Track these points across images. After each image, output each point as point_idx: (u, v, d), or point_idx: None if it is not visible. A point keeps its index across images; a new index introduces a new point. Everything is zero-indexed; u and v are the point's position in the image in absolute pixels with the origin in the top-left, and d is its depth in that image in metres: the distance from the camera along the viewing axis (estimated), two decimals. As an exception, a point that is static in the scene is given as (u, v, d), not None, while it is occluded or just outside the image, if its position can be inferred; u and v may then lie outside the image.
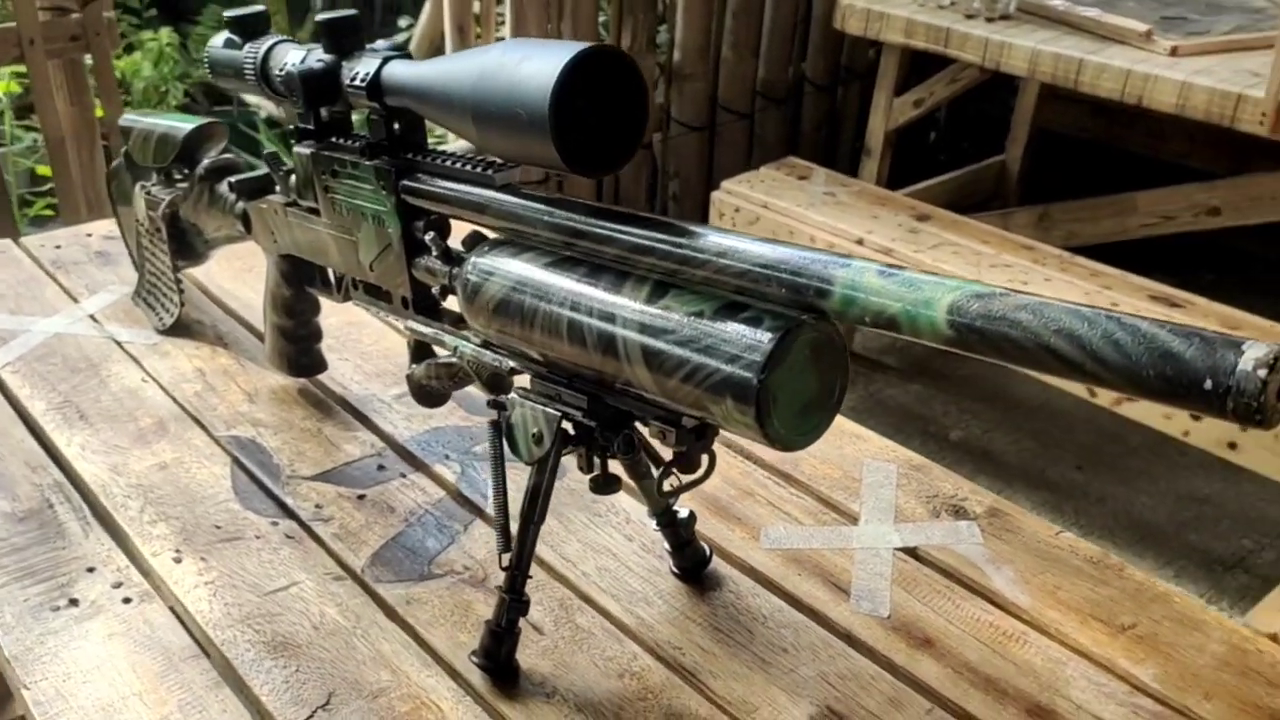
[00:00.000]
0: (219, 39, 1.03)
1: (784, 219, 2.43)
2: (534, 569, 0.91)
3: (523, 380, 0.84)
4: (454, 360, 0.91)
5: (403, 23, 3.25)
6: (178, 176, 1.23)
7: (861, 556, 0.95)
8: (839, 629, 0.88)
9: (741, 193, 2.52)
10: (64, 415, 1.11)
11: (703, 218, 3.03)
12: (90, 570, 0.92)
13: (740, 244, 0.65)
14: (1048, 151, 3.21)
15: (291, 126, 0.97)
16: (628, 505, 1.01)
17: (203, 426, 1.10)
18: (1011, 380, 2.70)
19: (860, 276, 0.60)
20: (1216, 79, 2.08)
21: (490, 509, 1.00)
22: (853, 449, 1.09)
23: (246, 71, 0.99)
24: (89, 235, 1.48)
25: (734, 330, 0.65)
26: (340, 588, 0.91)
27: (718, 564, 0.94)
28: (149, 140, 1.20)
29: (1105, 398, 2.04)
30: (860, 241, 2.31)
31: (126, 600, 0.89)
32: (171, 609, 0.89)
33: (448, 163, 0.85)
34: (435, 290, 0.90)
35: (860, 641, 0.87)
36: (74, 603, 0.89)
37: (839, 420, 0.91)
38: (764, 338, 0.64)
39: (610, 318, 0.71)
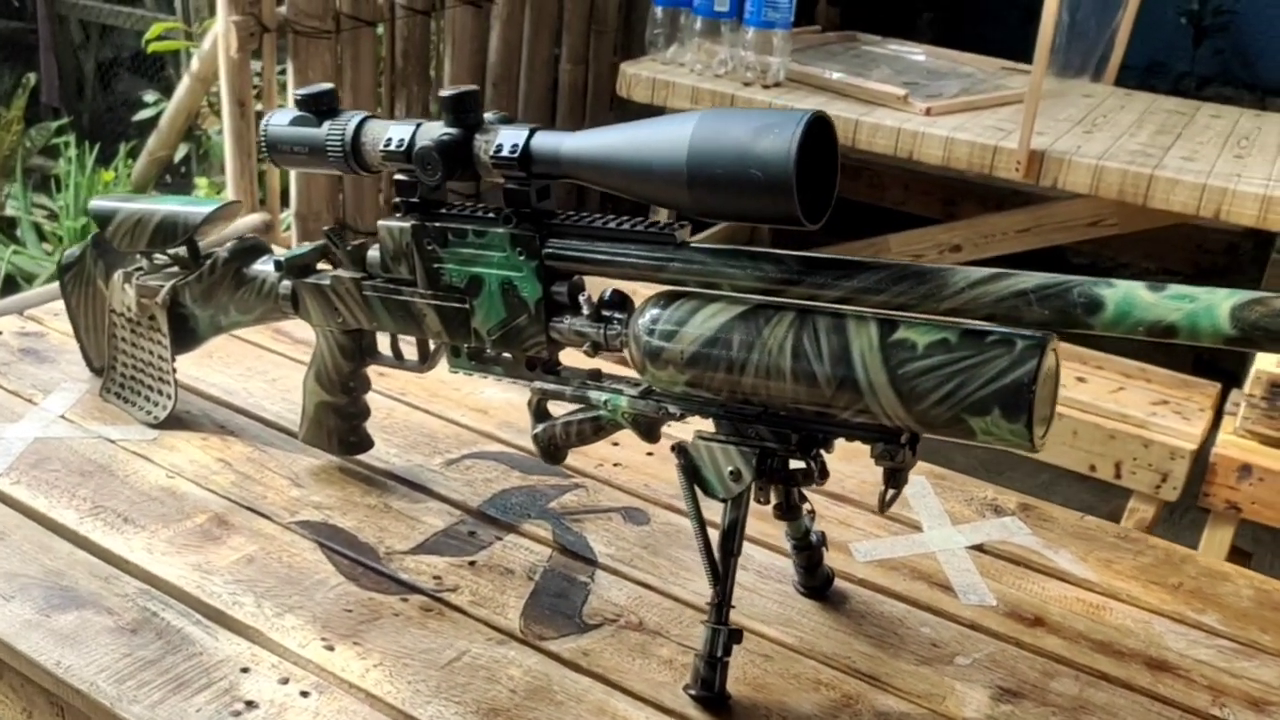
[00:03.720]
0: (281, 117, 1.01)
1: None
2: (680, 608, 0.97)
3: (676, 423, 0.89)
4: (600, 414, 0.95)
5: (149, 97, 3.08)
6: (161, 260, 1.17)
7: (944, 558, 1.07)
8: (964, 620, 0.99)
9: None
10: (104, 521, 1.03)
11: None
12: (245, 670, 0.87)
13: (987, 276, 0.75)
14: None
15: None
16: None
17: (265, 516, 1.06)
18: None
19: (1133, 293, 0.72)
20: (973, 134, 2.41)
21: (591, 558, 1.04)
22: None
23: (331, 148, 0.98)
24: (-1, 332, 1.35)
25: (993, 352, 0.75)
26: (511, 650, 0.92)
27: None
28: (143, 224, 1.13)
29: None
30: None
31: (304, 694, 0.86)
32: (353, 696, 0.86)
33: (608, 225, 0.90)
34: (585, 349, 0.93)
35: (987, 629, 0.99)
36: (252, 704, 0.84)
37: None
38: (1026, 355, 0.74)
39: (844, 357, 0.79)
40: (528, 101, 3.36)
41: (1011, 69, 3.02)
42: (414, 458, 1.17)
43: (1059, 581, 1.05)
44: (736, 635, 0.87)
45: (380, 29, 2.90)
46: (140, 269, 1.17)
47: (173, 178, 3.44)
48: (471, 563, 1.02)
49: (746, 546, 1.05)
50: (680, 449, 0.89)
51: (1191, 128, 2.59)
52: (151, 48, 2.87)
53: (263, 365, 1.31)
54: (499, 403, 1.28)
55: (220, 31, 2.56)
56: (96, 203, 1.17)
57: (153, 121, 3.10)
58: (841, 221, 3.44)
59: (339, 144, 0.98)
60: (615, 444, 1.22)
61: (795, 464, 0.88)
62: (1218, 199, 2.21)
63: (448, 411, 1.26)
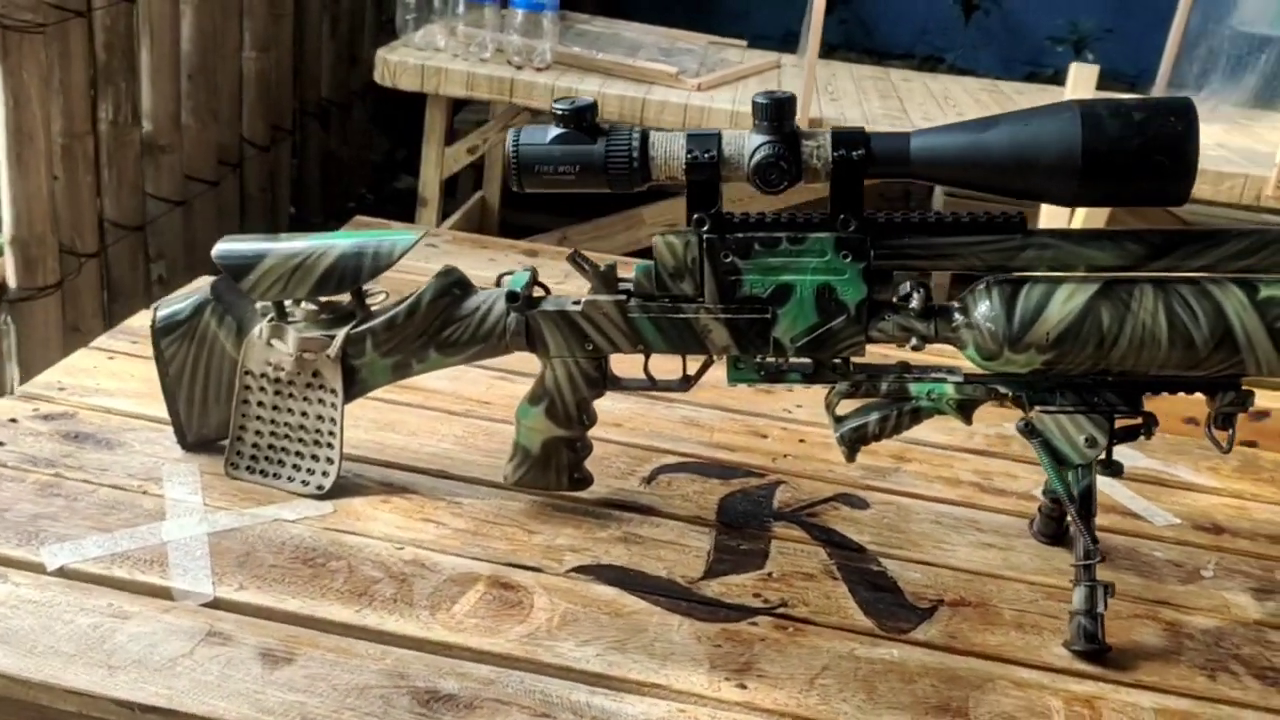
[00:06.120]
0: (536, 135, 0.92)
1: (404, 275, 2.41)
2: (974, 577, 1.03)
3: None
4: (921, 404, 0.97)
5: None
6: (309, 309, 1.02)
7: (1106, 488, 1.20)
8: (1171, 539, 1.13)
9: (345, 259, 2.44)
10: (384, 609, 0.90)
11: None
12: (694, 729, 0.82)
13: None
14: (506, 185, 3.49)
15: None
16: (955, 512, 1.13)
17: (537, 570, 0.97)
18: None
19: None
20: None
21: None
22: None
23: (615, 165, 0.91)
24: (13, 420, 1.09)
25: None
26: (892, 649, 0.93)
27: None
28: (306, 269, 0.98)
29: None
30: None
31: (772, 737, 0.82)
32: (803, 727, 0.84)
33: (943, 219, 0.92)
34: (911, 344, 0.95)
35: (1195, 543, 1.13)
36: (743, 759, 0.79)
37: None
38: None
39: (1220, 319, 0.88)
40: (222, 94, 3.08)
41: (720, 43, 3.21)
42: (609, 482, 1.11)
43: (1197, 493, 1.22)
44: (1110, 588, 0.94)
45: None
46: (280, 319, 1.01)
47: None
48: (769, 574, 1.00)
49: (964, 512, 1.12)
50: (1029, 427, 0.94)
51: (906, 89, 2.92)
52: None
53: (366, 413, 1.16)
54: (622, 413, 1.24)
55: (-90, 30, 2.12)
56: (227, 246, 0.99)
57: None
58: (568, 200, 3.49)
59: (624, 160, 0.91)
60: (764, 436, 1.23)
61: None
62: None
63: (587, 431, 1.20)
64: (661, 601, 0.95)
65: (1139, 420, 0.96)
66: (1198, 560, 1.10)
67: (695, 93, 2.61)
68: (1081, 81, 2.40)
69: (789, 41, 4.19)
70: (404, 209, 3.68)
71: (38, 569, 0.90)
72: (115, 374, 1.20)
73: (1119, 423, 0.96)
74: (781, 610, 0.96)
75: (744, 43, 3.26)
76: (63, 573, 0.90)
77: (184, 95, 2.94)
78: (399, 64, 2.59)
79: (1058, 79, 3.90)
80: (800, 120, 2.50)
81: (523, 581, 0.95)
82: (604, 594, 0.95)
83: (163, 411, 1.09)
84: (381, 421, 1.16)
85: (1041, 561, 1.07)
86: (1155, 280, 0.90)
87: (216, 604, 0.89)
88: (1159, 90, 2.95)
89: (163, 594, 0.89)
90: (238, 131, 3.19)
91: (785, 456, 1.20)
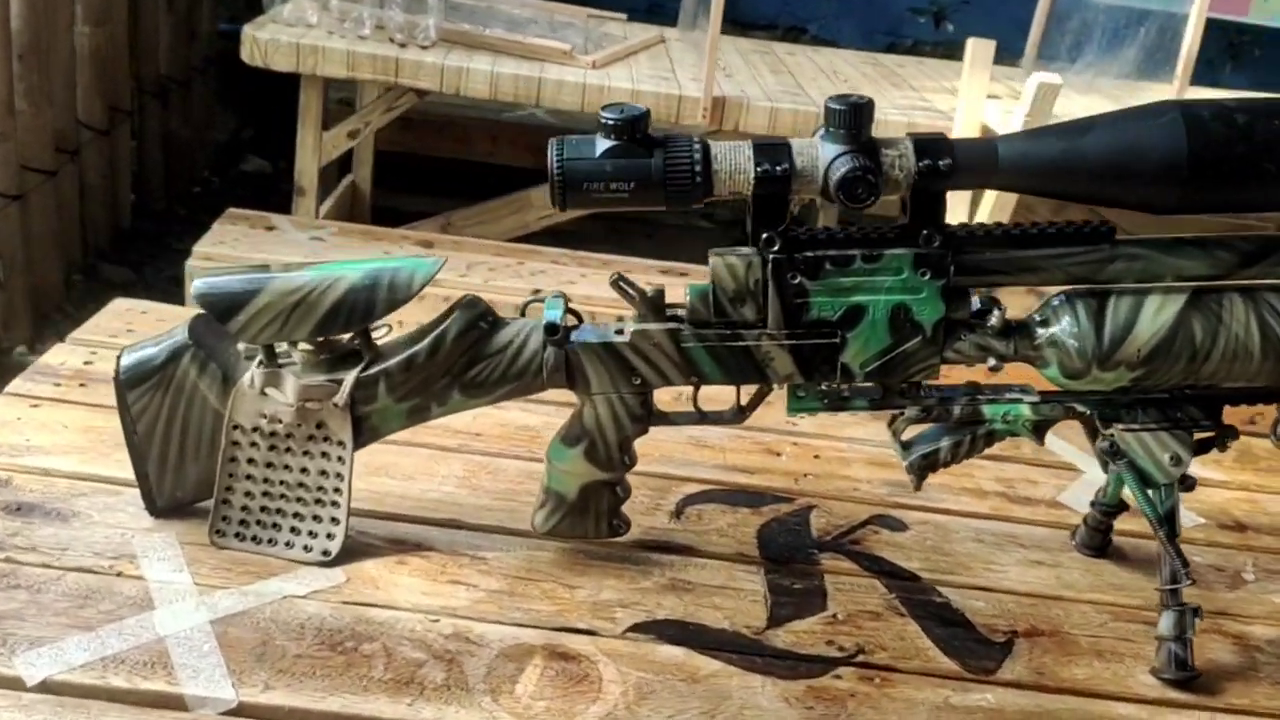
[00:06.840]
0: (587, 148, 0.81)
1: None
2: (1037, 600, 0.98)
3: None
4: (996, 427, 0.91)
5: None
6: (310, 349, 0.88)
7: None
8: (1202, 542, 1.10)
9: (224, 254, 2.23)
10: (439, 699, 0.78)
11: (36, 305, 2.63)
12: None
13: None
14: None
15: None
16: (992, 527, 1.08)
17: (591, 633, 0.87)
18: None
19: None
20: (654, 85, 2.47)
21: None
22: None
23: (675, 180, 0.81)
24: (-62, 492, 0.91)
25: None
26: (986, 694, 0.86)
27: (1095, 536, 1.08)
28: (308, 305, 0.84)
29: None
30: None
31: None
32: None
33: (1026, 231, 0.85)
34: (989, 365, 0.88)
35: (1226, 544, 1.10)
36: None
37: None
38: None
39: (1317, 327, 0.85)
40: (55, 74, 2.80)
41: (599, 16, 3.10)
42: (636, 520, 1.00)
43: (1208, 488, 1.19)
44: (1199, 611, 0.90)
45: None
46: (270, 363, 0.87)
47: None
48: (834, 616, 0.93)
49: (1001, 527, 1.07)
50: (1114, 448, 0.89)
51: (796, 60, 2.88)
52: None
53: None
54: (624, 438, 1.14)
55: None
56: (209, 282, 0.84)
57: None
58: (442, 181, 3.33)
59: (686, 174, 0.81)
60: (778, 454, 1.16)
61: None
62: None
63: (595, 460, 1.09)
64: (735, 660, 0.86)
65: (1213, 433, 0.92)
66: (1234, 562, 1.08)
67: (591, 70, 2.49)
68: (979, 56, 2.39)
69: (654, 14, 4.09)
70: (255, 193, 3.45)
71: (16, 685, 0.75)
72: (45, 425, 1.03)
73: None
74: (861, 658, 0.88)
75: (624, 16, 3.16)
76: (47, 687, 0.75)
77: (15, 77, 2.65)
78: (270, 42, 2.38)
79: (917, 49, 3.94)
80: (704, 101, 2.44)
81: (581, 649, 0.85)
82: (672, 656, 0.86)
83: (115, 470, 0.94)
84: (372, 465, 1.02)
85: (1093, 577, 1.02)
86: (1243, 289, 0.86)
87: (241, 711, 0.75)
88: (1028, 61, 2.99)
89: (175, 704, 0.75)
90: (74, 115, 2.91)
91: (806, 476, 1.12)
